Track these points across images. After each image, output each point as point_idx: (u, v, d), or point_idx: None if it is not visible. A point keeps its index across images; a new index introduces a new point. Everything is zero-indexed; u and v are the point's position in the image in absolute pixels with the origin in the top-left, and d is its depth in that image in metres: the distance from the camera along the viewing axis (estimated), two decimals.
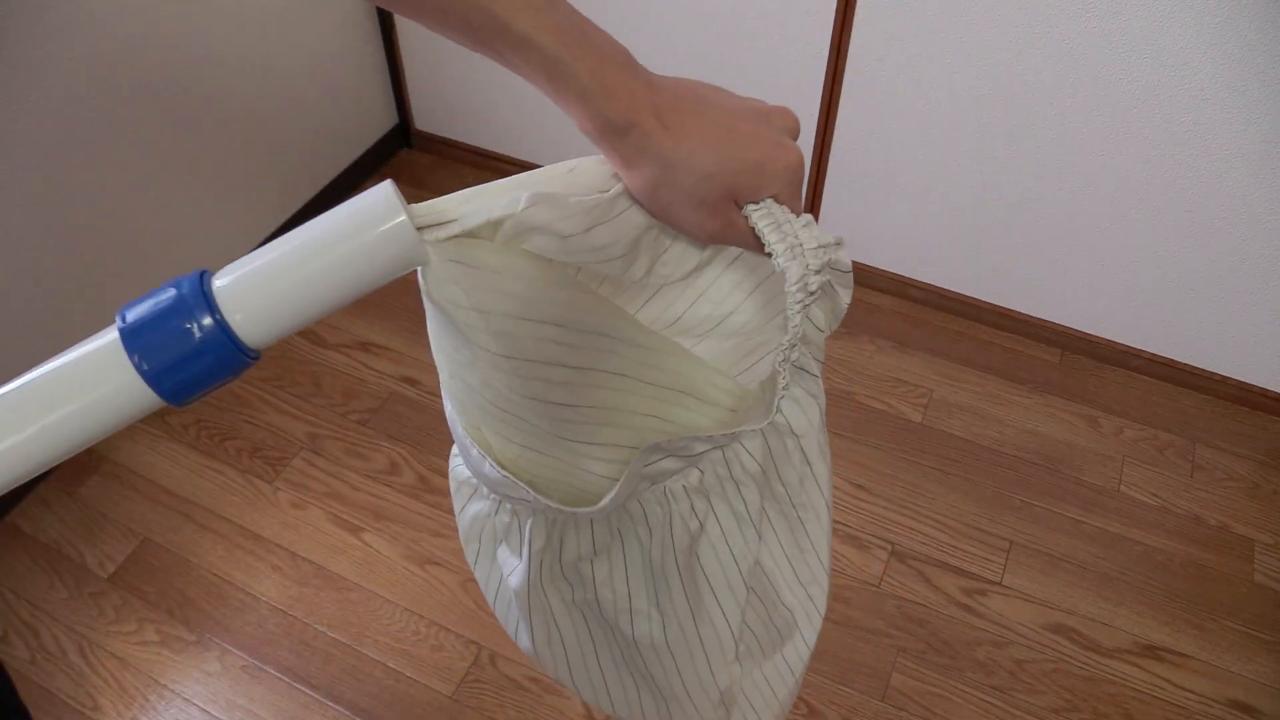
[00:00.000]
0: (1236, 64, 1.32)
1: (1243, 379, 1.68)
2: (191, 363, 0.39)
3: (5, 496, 1.54)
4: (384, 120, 2.16)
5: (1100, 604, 1.44)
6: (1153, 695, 1.35)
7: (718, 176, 0.45)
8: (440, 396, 1.70)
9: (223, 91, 1.69)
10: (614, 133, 0.43)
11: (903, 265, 1.83)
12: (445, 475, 1.59)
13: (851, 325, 1.83)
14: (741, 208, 0.47)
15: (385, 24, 2.01)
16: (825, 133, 1.70)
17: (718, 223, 0.46)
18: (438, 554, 1.49)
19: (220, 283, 0.40)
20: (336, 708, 1.34)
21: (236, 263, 0.41)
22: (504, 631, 1.40)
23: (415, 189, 2.13)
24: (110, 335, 0.40)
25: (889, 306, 1.86)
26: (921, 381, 1.74)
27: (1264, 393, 1.67)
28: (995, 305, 1.80)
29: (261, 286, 0.40)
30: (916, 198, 1.71)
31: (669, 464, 0.54)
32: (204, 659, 1.39)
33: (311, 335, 1.82)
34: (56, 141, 1.43)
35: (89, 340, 0.40)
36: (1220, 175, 1.44)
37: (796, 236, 0.47)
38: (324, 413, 1.69)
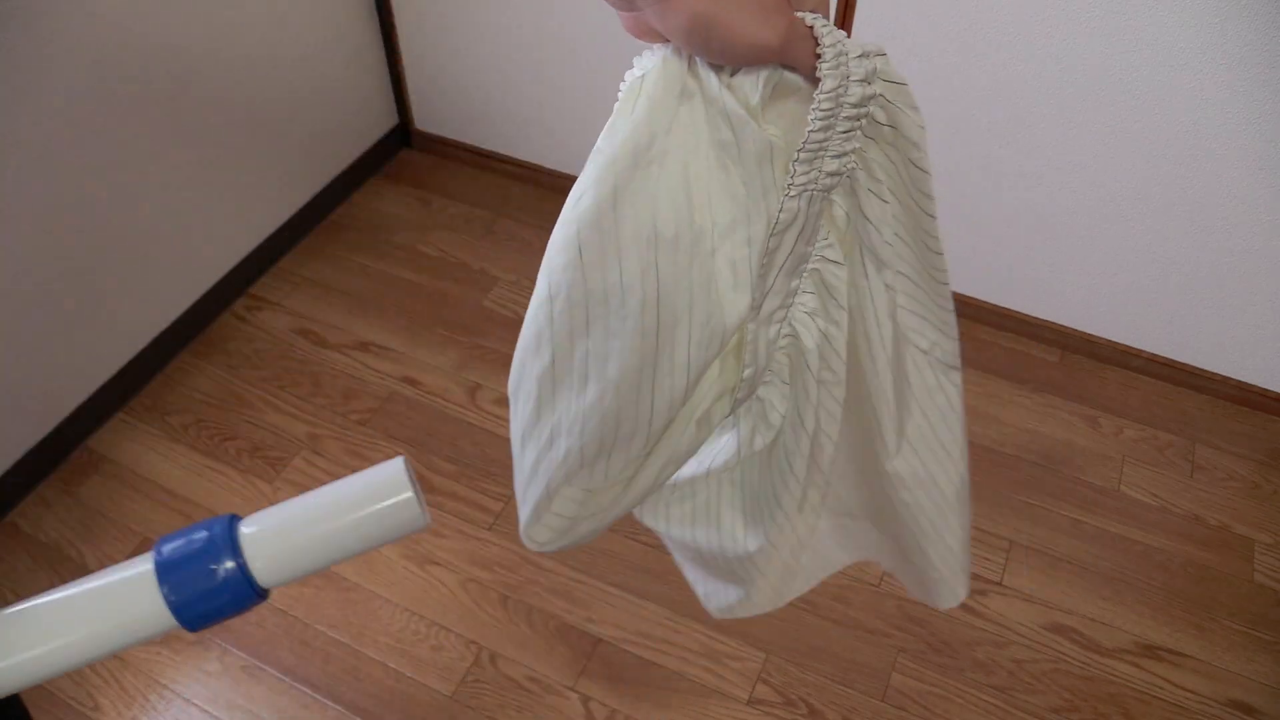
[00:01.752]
0: (1236, 64, 1.32)
1: (1243, 379, 1.68)
2: (211, 599, 0.47)
3: (5, 496, 1.54)
4: (384, 120, 2.16)
5: (1100, 604, 1.44)
6: (1153, 695, 1.35)
7: None
8: (440, 397, 1.71)
9: (223, 91, 1.69)
10: None
11: None
12: (445, 475, 1.59)
13: None
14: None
15: (385, 24, 2.01)
16: None
17: (784, 22, 0.41)
18: (438, 554, 1.49)
19: (247, 531, 0.48)
20: (336, 708, 1.34)
21: (261, 513, 0.49)
22: (504, 631, 1.41)
23: (415, 189, 2.13)
24: (145, 565, 0.47)
25: None
26: None
27: (1264, 393, 1.67)
28: (995, 305, 1.80)
29: (281, 539, 0.48)
30: None
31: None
32: (204, 659, 1.39)
33: (312, 335, 1.82)
34: (56, 142, 1.43)
35: (126, 566, 0.48)
36: (1220, 175, 1.44)
37: (842, 44, 0.43)
38: (324, 413, 1.69)
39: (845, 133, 0.47)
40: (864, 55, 0.44)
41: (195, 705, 1.34)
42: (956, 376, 0.57)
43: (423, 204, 2.09)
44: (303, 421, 1.67)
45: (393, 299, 1.88)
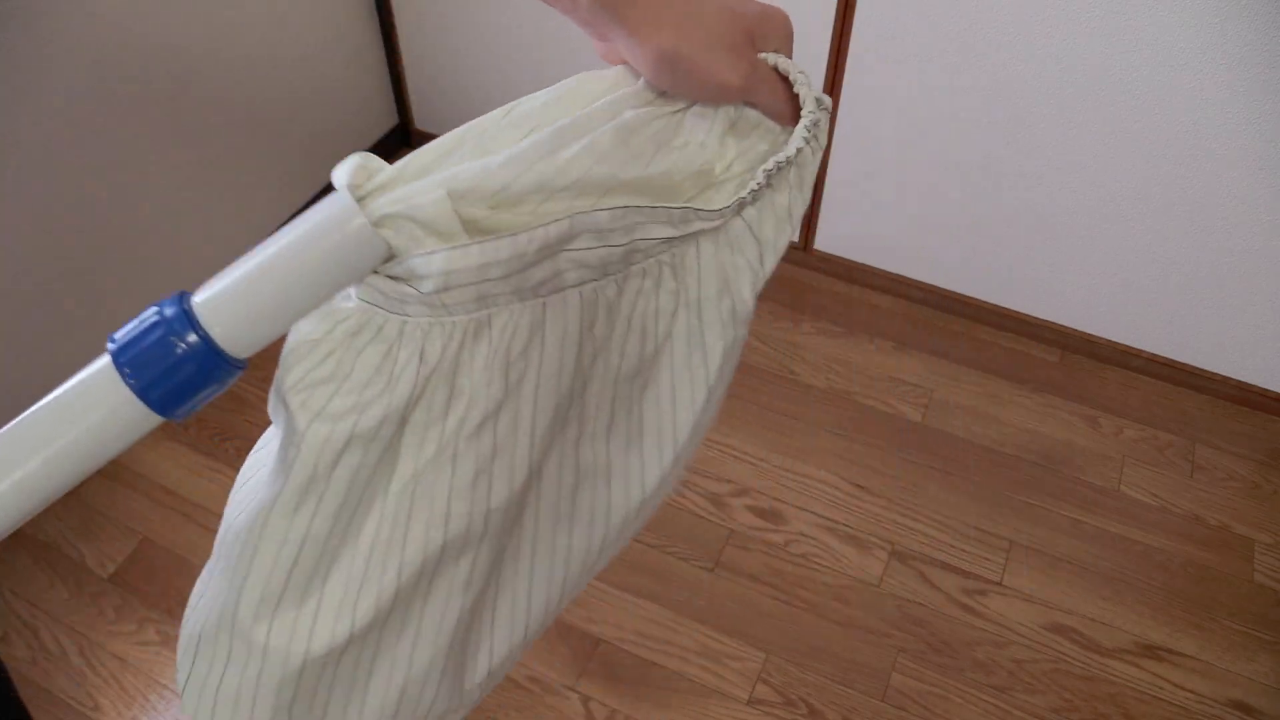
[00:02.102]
0: (1236, 64, 1.32)
1: (1243, 379, 1.68)
2: (177, 372, 0.42)
3: None
4: (384, 120, 2.16)
5: (1100, 604, 1.44)
6: (1153, 695, 1.35)
7: (738, 15, 0.44)
8: None
9: (222, 91, 1.69)
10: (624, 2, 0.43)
11: (903, 265, 1.83)
12: None
13: (852, 325, 1.83)
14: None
15: (385, 24, 2.01)
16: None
17: (745, 65, 0.44)
18: None
19: (199, 299, 0.44)
20: None
21: (214, 278, 0.45)
22: None
23: None
24: (103, 360, 0.42)
25: (889, 306, 1.86)
26: (921, 381, 1.74)
27: (1264, 393, 1.67)
28: (995, 305, 1.80)
29: (238, 298, 0.44)
30: (917, 197, 1.71)
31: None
32: None
33: None
34: (57, 142, 1.43)
35: (84, 370, 0.43)
36: (1220, 175, 1.44)
37: (809, 86, 0.46)
38: None
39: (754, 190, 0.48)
40: (820, 105, 0.47)
41: None
42: None
43: None
44: None
45: None
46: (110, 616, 1.43)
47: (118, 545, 1.51)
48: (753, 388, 1.72)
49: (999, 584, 1.46)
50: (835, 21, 1.55)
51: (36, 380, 1.53)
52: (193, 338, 0.42)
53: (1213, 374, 1.69)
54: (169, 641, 1.41)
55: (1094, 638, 1.41)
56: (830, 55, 1.59)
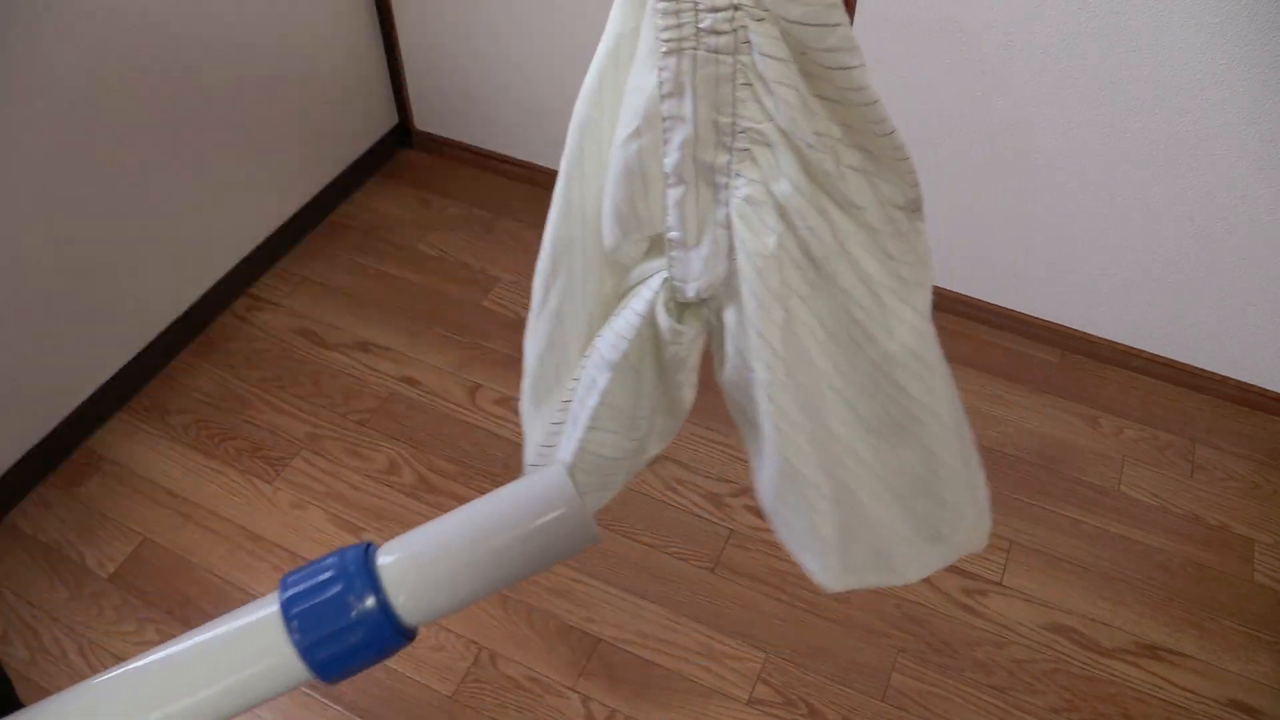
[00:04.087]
0: (1237, 64, 1.32)
1: (1243, 379, 1.68)
2: (345, 637, 0.39)
3: (5, 496, 1.54)
4: (384, 120, 2.16)
5: (1100, 604, 1.44)
6: (1153, 695, 1.35)
7: None
8: (440, 397, 1.71)
9: (222, 91, 1.69)
10: None
11: None
12: (445, 475, 1.59)
13: None
14: None
15: (385, 24, 2.01)
16: None
17: None
18: None
19: (385, 560, 0.40)
20: (336, 708, 1.34)
21: (402, 538, 0.41)
22: (504, 631, 1.41)
23: (415, 189, 2.13)
24: (271, 607, 0.40)
25: None
26: None
27: (1264, 393, 1.67)
28: (995, 305, 1.80)
29: (427, 568, 0.40)
30: None
31: None
32: None
33: (312, 335, 1.82)
34: (57, 143, 1.43)
35: (252, 607, 0.40)
36: (1220, 175, 1.44)
37: None
38: (324, 413, 1.69)
39: None
40: None
41: None
42: (921, 223, 0.57)
43: (423, 204, 2.09)
44: (303, 421, 1.67)
45: (393, 299, 1.88)
46: (110, 616, 1.43)
47: (118, 545, 1.51)
48: None
49: (999, 584, 1.46)
50: None
51: (37, 380, 1.53)
52: (371, 602, 0.38)
53: (1213, 374, 1.69)
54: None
55: (1094, 638, 1.41)
56: None
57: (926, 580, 1.46)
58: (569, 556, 0.40)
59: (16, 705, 0.74)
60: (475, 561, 0.39)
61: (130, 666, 0.39)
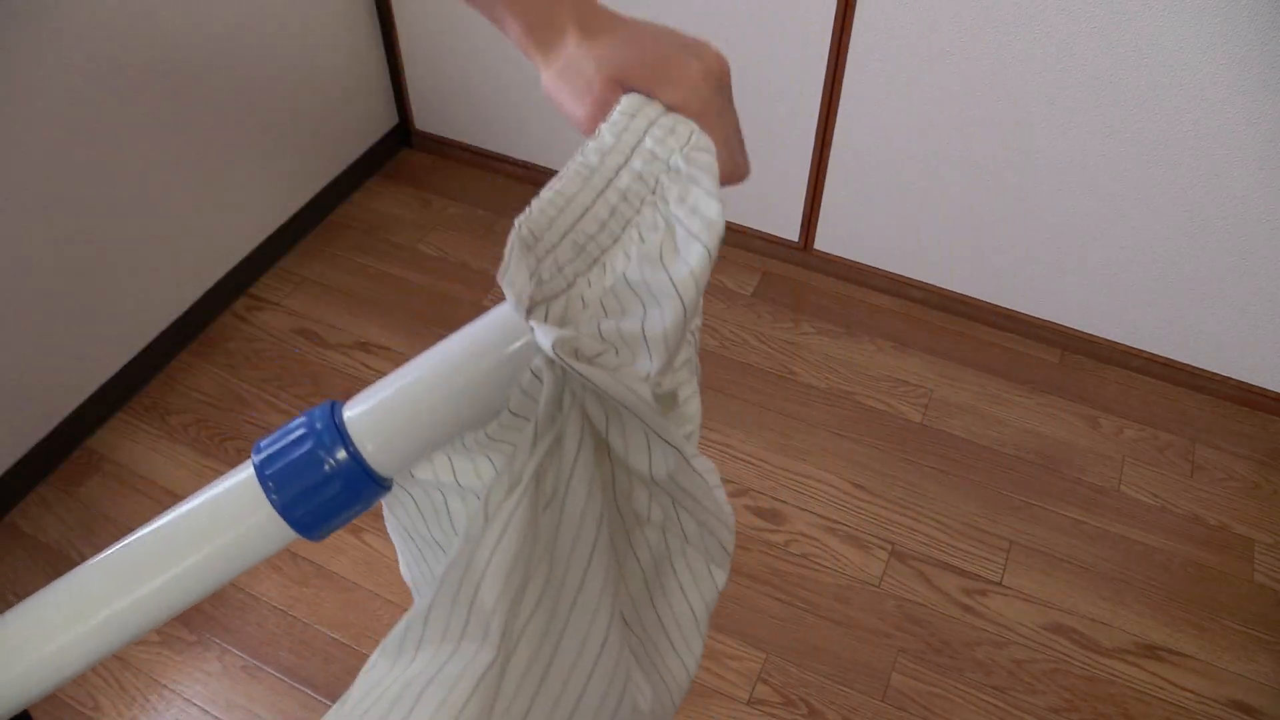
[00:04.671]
0: (1236, 64, 1.32)
1: (1243, 379, 1.68)
2: (322, 490, 0.39)
3: (5, 496, 1.54)
4: (384, 120, 2.16)
5: (1100, 604, 1.44)
6: (1153, 695, 1.35)
7: (612, 61, 0.43)
8: None
9: (222, 92, 1.69)
10: (539, 27, 0.45)
11: (903, 265, 1.83)
12: None
13: (852, 325, 1.83)
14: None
15: (385, 24, 2.01)
16: (825, 132, 1.70)
17: (590, 100, 0.43)
18: None
19: (351, 413, 0.41)
20: None
21: (366, 391, 0.42)
22: None
23: (415, 189, 2.13)
24: (246, 470, 0.40)
25: (889, 306, 1.86)
26: (921, 381, 1.74)
27: (1264, 393, 1.67)
28: (995, 305, 1.80)
29: (393, 414, 0.41)
30: (917, 197, 1.71)
31: None
32: (204, 659, 1.39)
33: (312, 335, 1.82)
34: (57, 143, 1.43)
35: (227, 476, 0.41)
36: (1220, 175, 1.44)
37: (644, 132, 0.41)
38: None
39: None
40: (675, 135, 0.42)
41: (195, 705, 1.34)
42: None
43: (423, 204, 2.09)
44: None
45: (393, 299, 1.88)
46: None
47: None
48: (753, 388, 1.72)
49: (999, 584, 1.46)
50: (835, 22, 1.55)
51: (37, 380, 1.53)
52: (341, 454, 0.39)
53: (1213, 374, 1.69)
54: (169, 641, 1.41)
55: (1094, 638, 1.41)
56: (830, 56, 1.59)
57: (926, 580, 1.47)
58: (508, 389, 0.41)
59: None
60: (439, 403, 0.40)
61: (115, 547, 0.40)
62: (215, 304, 1.84)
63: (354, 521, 1.53)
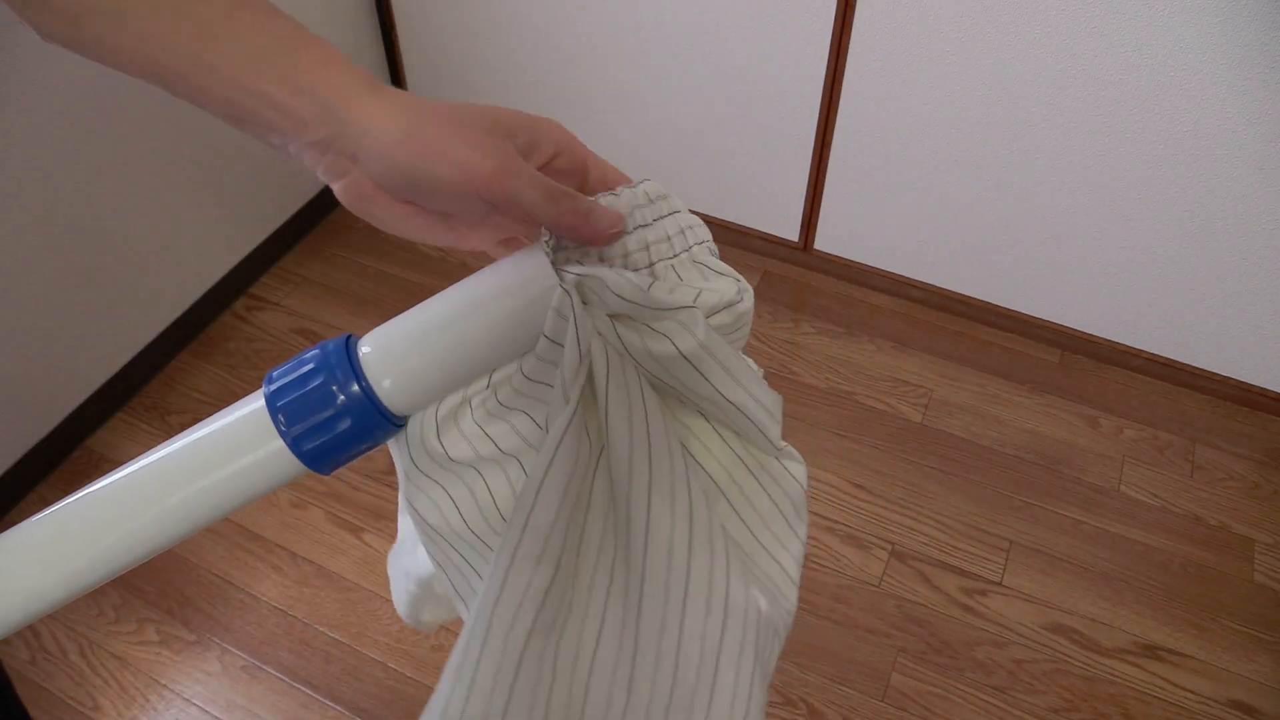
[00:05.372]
0: (1236, 64, 1.32)
1: (1243, 379, 1.68)
2: (332, 426, 0.39)
3: (5, 496, 1.54)
4: None
5: (1100, 604, 1.44)
6: (1153, 695, 1.35)
7: (491, 112, 0.38)
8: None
9: None
10: (360, 92, 0.38)
11: (903, 265, 1.83)
12: None
13: (852, 325, 1.83)
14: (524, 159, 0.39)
15: (385, 22, 2.01)
16: (825, 132, 1.70)
17: (500, 153, 0.37)
18: None
19: (367, 348, 0.40)
20: (336, 708, 1.34)
21: (384, 328, 0.41)
22: None
23: None
24: (257, 402, 0.39)
25: (889, 306, 1.86)
26: (921, 381, 1.74)
27: (1264, 393, 1.67)
28: (995, 305, 1.80)
29: (411, 351, 0.40)
30: (917, 197, 1.71)
31: None
32: (204, 659, 1.39)
33: (312, 335, 1.82)
34: (57, 142, 1.43)
35: (238, 405, 0.40)
36: (1220, 175, 1.44)
37: (666, 215, 0.42)
38: None
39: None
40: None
41: (195, 705, 1.34)
42: None
43: None
44: None
45: (393, 299, 1.88)
46: (110, 616, 1.43)
47: None
48: None
49: (999, 584, 1.46)
50: (835, 22, 1.55)
51: (37, 380, 1.53)
52: (355, 388, 0.38)
53: (1213, 374, 1.69)
54: (169, 641, 1.41)
55: (1094, 638, 1.41)
56: (830, 55, 1.59)
57: (926, 580, 1.47)
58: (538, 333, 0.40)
59: (18, 705, 0.74)
60: (455, 345, 0.39)
61: (123, 470, 0.39)
62: (215, 304, 1.84)
63: (354, 522, 1.53)
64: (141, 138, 1.57)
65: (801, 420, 1.68)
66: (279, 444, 0.39)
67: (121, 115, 1.51)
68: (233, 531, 1.52)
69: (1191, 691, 1.35)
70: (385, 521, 1.53)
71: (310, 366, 0.39)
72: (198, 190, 1.72)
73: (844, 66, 1.59)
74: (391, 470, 1.60)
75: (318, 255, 1.97)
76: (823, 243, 1.88)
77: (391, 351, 0.40)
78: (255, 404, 0.39)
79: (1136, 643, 1.40)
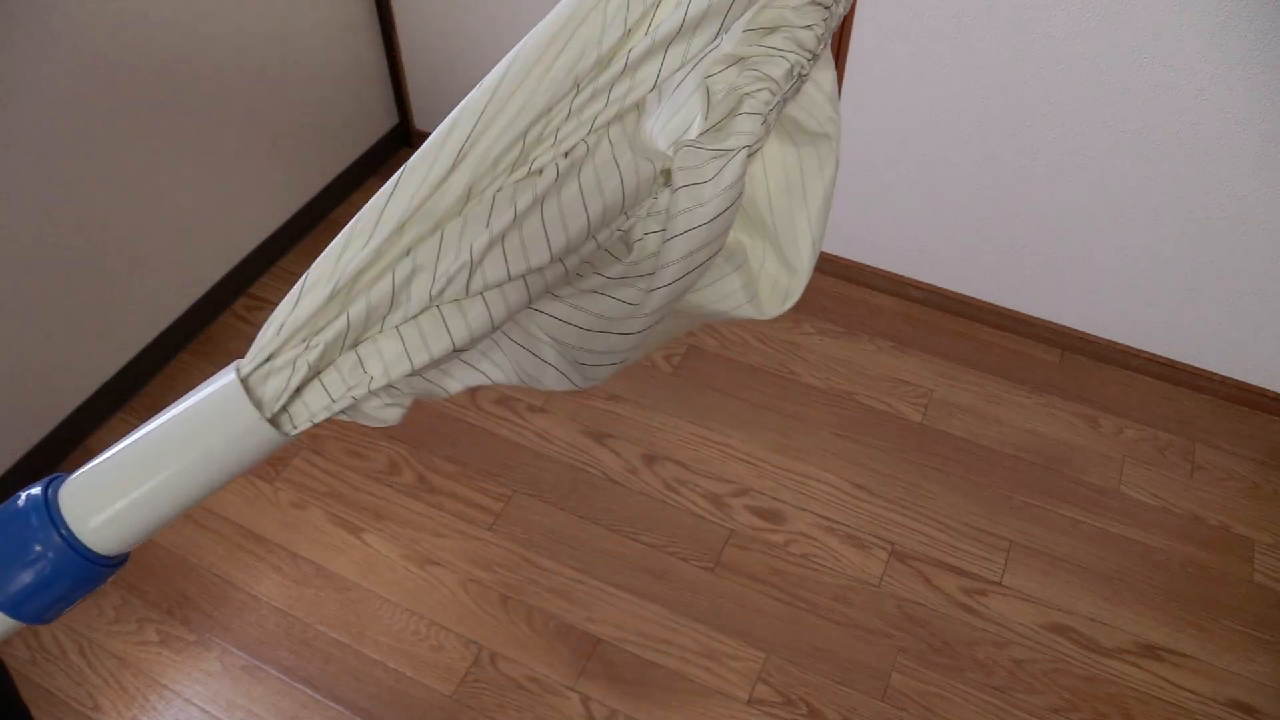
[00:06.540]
0: (1236, 64, 1.32)
1: (1243, 379, 1.68)
2: (36, 581, 0.40)
3: (4, 497, 1.53)
4: (384, 120, 2.16)
5: (1100, 604, 1.44)
6: (1153, 695, 1.35)
7: None
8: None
9: (222, 92, 1.69)
10: None
11: (903, 265, 1.83)
12: (445, 475, 1.59)
13: (852, 325, 1.83)
14: None
15: (385, 23, 2.01)
16: None
17: None
18: (438, 554, 1.49)
19: (66, 494, 0.41)
20: (336, 708, 1.34)
21: (82, 470, 0.41)
22: (504, 631, 1.40)
23: None
24: None
25: (889, 306, 1.86)
26: (921, 381, 1.74)
27: (1264, 393, 1.67)
28: (995, 305, 1.80)
29: (110, 494, 0.40)
30: (917, 198, 1.71)
31: None
32: (204, 659, 1.39)
33: None
34: (57, 142, 1.43)
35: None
36: (1220, 175, 1.44)
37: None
38: None
39: None
40: None
41: (195, 705, 1.34)
42: None
43: None
44: None
45: None
46: (110, 616, 1.43)
47: None
48: (753, 388, 1.72)
49: (999, 584, 1.46)
50: (835, 25, 1.54)
51: (37, 380, 1.53)
52: (57, 541, 0.39)
53: (1213, 374, 1.69)
54: (169, 641, 1.41)
55: (1094, 638, 1.41)
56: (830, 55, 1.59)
57: (926, 580, 1.47)
58: (256, 463, 0.41)
59: (18, 705, 0.74)
60: (158, 482, 0.40)
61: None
62: (215, 304, 1.84)
63: (354, 522, 1.53)
64: (141, 138, 1.57)
65: (801, 420, 1.68)
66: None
67: (122, 115, 1.51)
68: (233, 531, 1.52)
69: (1191, 691, 1.35)
70: (385, 521, 1.53)
71: (6, 519, 0.40)
72: (197, 190, 1.72)
73: (844, 66, 1.60)
74: (392, 470, 1.60)
75: (317, 255, 1.97)
76: (822, 242, 1.88)
77: (89, 496, 0.40)
78: None
79: (1136, 643, 1.40)
